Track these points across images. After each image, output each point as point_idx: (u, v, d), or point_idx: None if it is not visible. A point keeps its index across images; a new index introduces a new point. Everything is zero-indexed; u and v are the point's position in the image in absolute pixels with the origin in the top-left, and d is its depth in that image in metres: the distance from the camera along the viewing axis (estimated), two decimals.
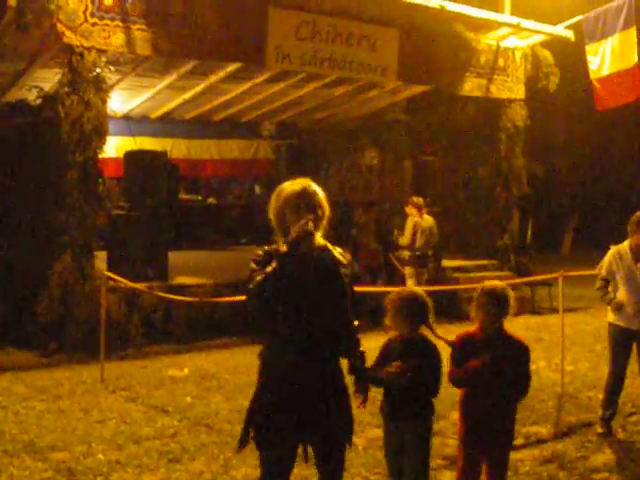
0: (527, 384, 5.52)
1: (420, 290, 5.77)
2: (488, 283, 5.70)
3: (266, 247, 4.79)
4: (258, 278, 4.57)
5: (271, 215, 4.87)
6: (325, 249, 4.84)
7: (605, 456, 7.28)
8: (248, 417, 4.89)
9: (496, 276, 16.38)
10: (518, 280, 15.81)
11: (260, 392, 4.84)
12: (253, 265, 4.71)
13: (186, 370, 11.35)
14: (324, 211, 4.84)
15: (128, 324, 12.69)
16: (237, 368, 11.48)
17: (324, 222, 4.85)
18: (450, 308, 14.43)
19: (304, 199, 4.77)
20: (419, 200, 15.39)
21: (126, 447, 7.83)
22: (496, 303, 5.49)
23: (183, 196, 23.54)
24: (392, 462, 5.65)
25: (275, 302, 4.62)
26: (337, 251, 4.90)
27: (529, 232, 21.13)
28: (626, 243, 8.05)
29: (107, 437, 8.15)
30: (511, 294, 5.60)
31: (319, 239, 4.81)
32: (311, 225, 4.57)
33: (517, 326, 14.26)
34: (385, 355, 5.47)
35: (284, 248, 4.55)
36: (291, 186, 4.84)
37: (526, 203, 18.91)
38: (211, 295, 13.17)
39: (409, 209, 15.29)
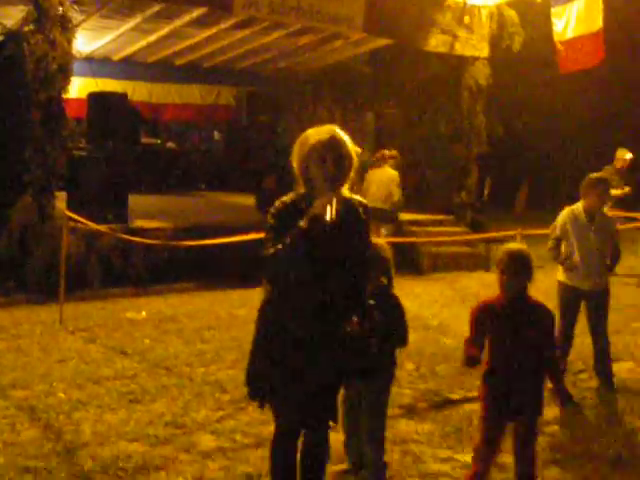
0: (553, 353, 5.35)
1: (379, 241, 5.85)
2: (509, 246, 5.37)
3: (285, 198, 4.65)
4: (271, 251, 4.45)
5: (294, 163, 4.68)
6: (349, 206, 4.63)
7: (555, 410, 7.45)
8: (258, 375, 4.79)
9: (452, 231, 16.61)
10: (474, 236, 16.00)
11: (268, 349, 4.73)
12: (271, 220, 4.58)
13: (144, 313, 11.41)
14: (351, 162, 4.65)
15: (87, 265, 12.70)
16: (195, 312, 11.58)
17: (352, 173, 4.67)
18: (409, 262, 14.60)
19: (331, 150, 4.57)
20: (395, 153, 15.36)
21: (86, 387, 7.91)
22: (521, 267, 5.17)
23: (143, 140, 23.41)
24: (347, 412, 5.82)
25: (291, 269, 4.51)
26: (357, 200, 4.73)
27: (486, 190, 21.34)
28: (580, 204, 8.19)
29: (67, 377, 8.22)
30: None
31: (345, 192, 4.65)
32: (334, 202, 4.40)
33: (472, 283, 14.53)
34: None
35: (303, 224, 4.40)
36: (317, 135, 4.63)
37: (484, 161, 19.02)
38: (170, 239, 13.19)
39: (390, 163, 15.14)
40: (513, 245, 5.43)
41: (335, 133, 4.65)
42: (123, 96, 15.64)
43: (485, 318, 5.19)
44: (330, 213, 4.38)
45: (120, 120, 14.65)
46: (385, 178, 14.80)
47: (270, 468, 4.95)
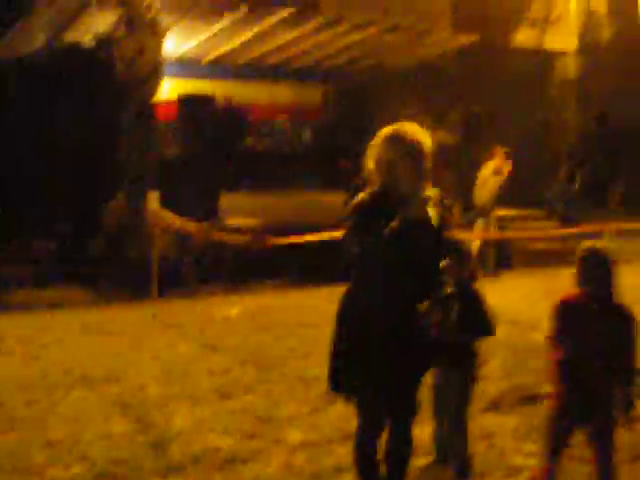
0: (630, 357, 4.95)
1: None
2: (589, 243, 5.11)
3: (364, 196, 4.62)
4: (354, 250, 4.54)
5: (373, 160, 4.66)
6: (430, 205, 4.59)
7: None
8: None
9: (543, 226, 16.40)
10: (565, 231, 15.77)
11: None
12: (354, 216, 4.57)
13: (236, 310, 11.52)
14: (431, 159, 4.64)
15: (179, 264, 12.88)
16: (287, 309, 11.68)
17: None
18: (501, 257, 14.47)
19: (420, 149, 4.57)
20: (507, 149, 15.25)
21: (178, 382, 8.02)
22: (603, 267, 4.93)
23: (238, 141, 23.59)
24: (437, 404, 5.81)
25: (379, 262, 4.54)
26: (437, 196, 4.67)
27: (577, 184, 21.00)
28: None
29: (159, 372, 8.35)
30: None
31: (429, 190, 4.62)
32: (430, 204, 4.47)
33: (563, 278, 14.29)
34: None
35: (395, 225, 4.39)
36: (404, 132, 4.62)
37: (576, 155, 18.75)
38: (262, 237, 13.26)
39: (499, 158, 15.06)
40: (590, 243, 5.13)
41: (420, 130, 4.63)
42: (211, 98, 15.83)
43: (566, 314, 5.01)
44: (424, 216, 4.45)
45: (210, 122, 14.85)
46: (488, 172, 14.76)
47: (353, 462, 4.98)
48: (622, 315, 4.97)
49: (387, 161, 4.59)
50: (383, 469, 4.95)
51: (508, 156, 14.97)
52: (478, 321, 5.52)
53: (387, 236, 4.38)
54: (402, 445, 4.95)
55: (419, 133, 4.62)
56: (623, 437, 6.26)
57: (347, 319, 4.74)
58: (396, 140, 4.60)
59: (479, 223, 14.49)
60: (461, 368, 5.58)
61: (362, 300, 4.66)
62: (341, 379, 4.79)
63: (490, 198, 14.63)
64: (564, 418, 5.05)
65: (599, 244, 5.10)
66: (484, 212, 14.52)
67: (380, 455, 4.93)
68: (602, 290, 4.93)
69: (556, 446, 5.07)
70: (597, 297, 4.93)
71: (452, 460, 5.70)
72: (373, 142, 4.70)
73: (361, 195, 4.64)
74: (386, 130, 4.68)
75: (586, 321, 4.94)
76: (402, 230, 4.39)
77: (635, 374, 4.97)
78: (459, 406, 5.67)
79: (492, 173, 14.71)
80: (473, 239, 13.71)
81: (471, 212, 15.05)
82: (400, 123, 4.71)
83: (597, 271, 4.91)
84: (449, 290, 4.87)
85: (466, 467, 5.64)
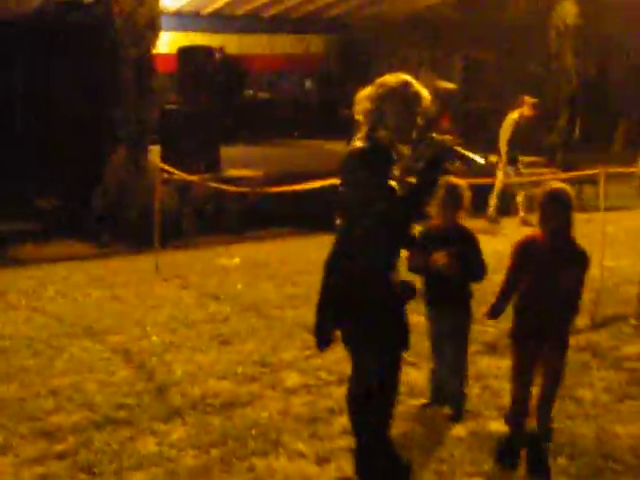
0: (578, 297, 5.24)
1: (458, 181, 5.91)
2: (551, 185, 5.25)
3: (379, 145, 4.64)
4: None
5: (367, 110, 4.70)
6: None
7: (637, 347, 7.42)
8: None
9: (543, 173, 16.42)
10: (562, 176, 15.79)
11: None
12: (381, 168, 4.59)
13: (237, 259, 11.66)
14: None
15: (181, 215, 13.01)
16: (287, 257, 11.82)
17: None
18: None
19: (421, 101, 4.70)
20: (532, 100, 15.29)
21: (179, 330, 8.19)
22: (562, 208, 5.06)
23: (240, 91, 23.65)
24: (434, 346, 5.95)
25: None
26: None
27: (576, 130, 20.98)
28: None
29: (161, 321, 8.52)
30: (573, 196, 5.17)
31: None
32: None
33: None
34: (426, 242, 5.63)
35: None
36: (417, 84, 4.72)
37: (576, 102, 18.71)
38: (262, 187, 13.36)
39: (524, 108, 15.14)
40: (554, 184, 5.28)
41: (417, 83, 4.73)
42: (212, 50, 15.86)
43: (524, 253, 5.19)
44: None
45: (211, 73, 14.89)
46: (508, 120, 14.85)
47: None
48: (575, 253, 5.16)
49: (384, 111, 4.65)
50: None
51: (535, 106, 14.98)
52: (473, 264, 5.66)
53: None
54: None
55: (416, 85, 4.69)
56: (611, 377, 6.48)
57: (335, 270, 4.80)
58: (394, 93, 4.66)
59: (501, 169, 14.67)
60: (458, 308, 5.76)
61: (355, 253, 4.66)
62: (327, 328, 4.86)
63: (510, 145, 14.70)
64: (522, 354, 5.23)
65: (559, 186, 5.19)
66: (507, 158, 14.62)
67: None
68: (558, 229, 5.08)
69: (523, 378, 5.24)
70: (553, 235, 5.08)
71: (448, 400, 5.86)
72: (371, 91, 4.73)
73: (377, 145, 4.63)
74: (383, 81, 4.73)
75: (541, 258, 5.11)
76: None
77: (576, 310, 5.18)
78: (458, 348, 5.83)
79: (516, 121, 14.75)
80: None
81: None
82: (396, 74, 4.76)
83: (555, 211, 5.05)
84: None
85: (461, 408, 5.81)
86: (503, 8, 19.41)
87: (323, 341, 4.89)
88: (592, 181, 16.32)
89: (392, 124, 4.64)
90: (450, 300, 5.77)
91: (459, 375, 5.87)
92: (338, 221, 4.76)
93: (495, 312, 5.26)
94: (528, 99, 15.00)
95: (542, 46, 18.18)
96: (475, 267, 5.66)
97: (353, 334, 4.78)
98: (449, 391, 5.89)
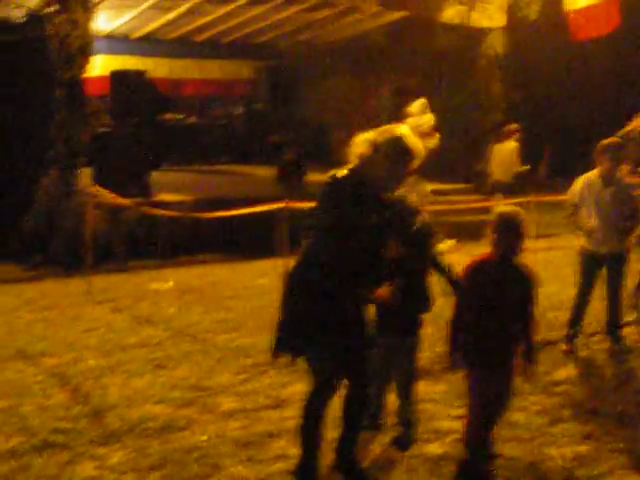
0: (530, 318, 5.31)
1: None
2: (502, 209, 5.51)
3: (341, 175, 4.91)
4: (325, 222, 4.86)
5: (362, 151, 4.99)
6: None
7: (567, 371, 7.61)
8: None
9: (471, 200, 16.74)
10: (489, 203, 16.14)
11: None
12: (329, 194, 4.89)
13: (171, 283, 11.72)
14: None
15: (112, 239, 12.99)
16: (218, 282, 11.89)
17: None
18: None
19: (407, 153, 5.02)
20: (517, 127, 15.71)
21: (113, 354, 8.21)
22: (509, 229, 5.21)
23: (166, 115, 23.69)
24: (381, 375, 6.07)
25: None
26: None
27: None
28: (596, 171, 8.34)
29: (95, 345, 8.54)
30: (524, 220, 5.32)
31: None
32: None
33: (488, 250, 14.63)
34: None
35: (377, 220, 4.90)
36: (411, 143, 5.02)
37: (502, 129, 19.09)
38: (193, 212, 13.43)
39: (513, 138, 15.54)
40: (507, 208, 5.52)
41: (416, 139, 5.07)
42: (141, 73, 15.89)
43: (476, 274, 5.31)
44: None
45: (140, 97, 14.92)
46: (507, 151, 15.21)
47: (302, 423, 5.16)
48: (522, 275, 5.30)
49: (377, 159, 4.94)
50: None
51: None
52: (424, 295, 5.86)
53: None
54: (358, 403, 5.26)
55: (417, 143, 5.02)
56: (544, 401, 6.68)
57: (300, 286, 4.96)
58: (397, 145, 4.96)
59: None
60: (407, 336, 5.91)
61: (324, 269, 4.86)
62: (293, 338, 5.01)
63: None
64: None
65: (510, 210, 5.40)
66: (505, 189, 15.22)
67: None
68: (507, 251, 5.23)
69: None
70: (502, 258, 5.24)
71: (399, 426, 5.98)
72: (370, 136, 4.99)
73: (338, 175, 4.89)
74: (385, 130, 5.02)
75: (490, 280, 5.25)
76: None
77: (532, 330, 5.33)
78: (410, 374, 5.98)
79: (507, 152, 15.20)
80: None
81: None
82: (398, 127, 5.10)
83: (506, 234, 5.20)
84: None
85: (412, 433, 5.94)
86: (432, 36, 19.71)
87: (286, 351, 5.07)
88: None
89: (381, 172, 4.93)
90: (400, 329, 5.90)
91: (411, 401, 6.01)
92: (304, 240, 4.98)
93: (457, 348, 5.33)
94: (511, 126, 15.49)
95: (470, 74, 18.52)
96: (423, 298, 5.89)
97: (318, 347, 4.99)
98: (401, 417, 6.00)
